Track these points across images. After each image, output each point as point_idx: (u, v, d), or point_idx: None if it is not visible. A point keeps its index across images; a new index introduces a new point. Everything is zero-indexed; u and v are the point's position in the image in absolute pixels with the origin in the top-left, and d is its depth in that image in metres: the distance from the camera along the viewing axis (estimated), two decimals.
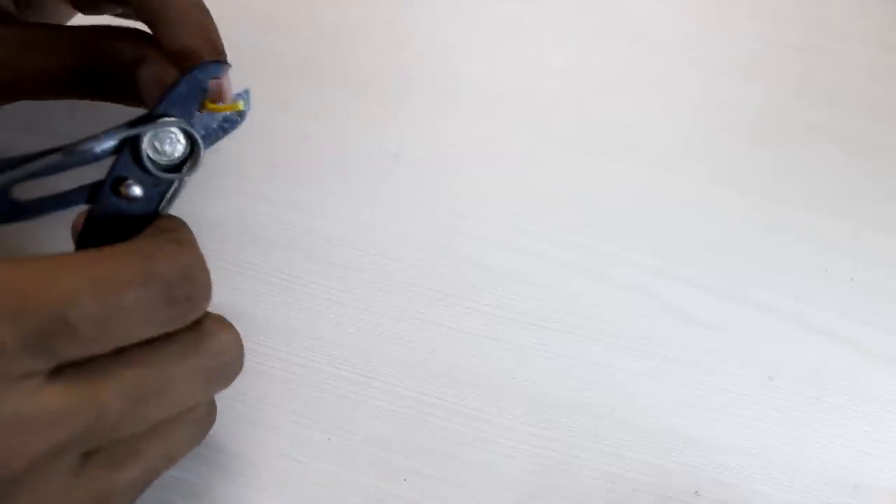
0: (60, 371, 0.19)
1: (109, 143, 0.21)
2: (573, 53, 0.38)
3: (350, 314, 0.30)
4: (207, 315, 0.22)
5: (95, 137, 0.21)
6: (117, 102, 0.27)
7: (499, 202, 0.33)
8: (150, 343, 0.21)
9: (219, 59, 0.24)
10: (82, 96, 0.27)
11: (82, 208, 0.22)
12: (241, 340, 0.23)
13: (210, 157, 0.27)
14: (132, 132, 0.21)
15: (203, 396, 0.23)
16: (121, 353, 0.20)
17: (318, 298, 0.30)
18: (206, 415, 0.24)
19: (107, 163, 0.22)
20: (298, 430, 0.27)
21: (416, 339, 0.30)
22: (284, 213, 0.32)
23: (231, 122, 0.24)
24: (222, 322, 0.23)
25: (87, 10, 0.30)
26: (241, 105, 0.24)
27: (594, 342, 0.30)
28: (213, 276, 0.23)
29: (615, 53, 0.38)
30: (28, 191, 0.21)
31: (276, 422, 0.28)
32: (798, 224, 0.34)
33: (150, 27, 0.25)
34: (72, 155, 0.21)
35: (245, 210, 0.25)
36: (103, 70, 0.26)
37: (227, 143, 0.26)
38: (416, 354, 0.30)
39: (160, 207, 0.22)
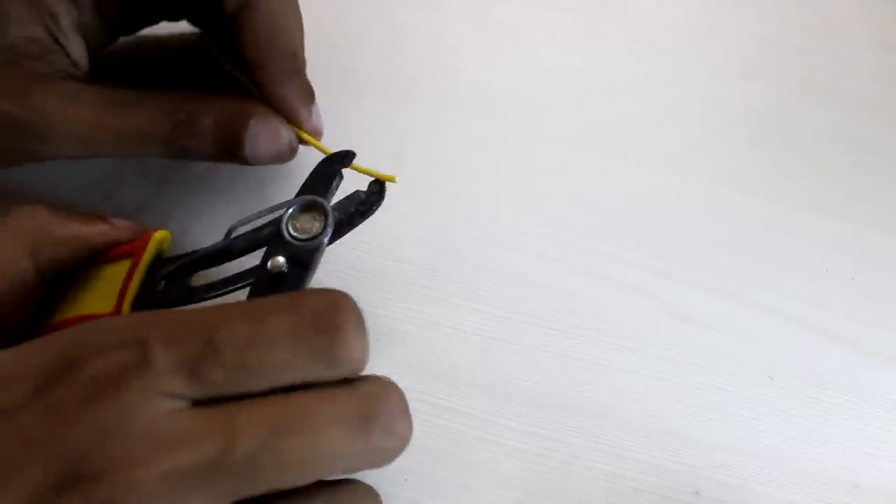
0: (205, 403, 0.19)
1: (257, 229, 0.25)
2: (574, 54, 0.38)
3: None
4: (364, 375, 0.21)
5: (243, 222, 0.25)
6: (208, 160, 0.29)
7: (499, 202, 0.33)
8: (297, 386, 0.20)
9: (348, 151, 0.27)
10: (171, 156, 0.28)
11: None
12: (402, 394, 0.21)
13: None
14: (273, 215, 0.25)
15: (355, 447, 0.20)
16: (266, 394, 0.19)
17: None
18: (366, 494, 0.22)
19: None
20: None
21: (417, 339, 0.30)
22: None
23: (368, 206, 0.27)
24: (379, 376, 0.21)
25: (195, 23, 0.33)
26: (394, 178, 0.27)
27: (594, 342, 0.30)
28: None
29: (616, 54, 0.38)
30: (203, 278, 0.26)
31: None
32: (799, 224, 0.34)
33: (252, 67, 0.29)
34: (228, 238, 0.25)
35: (245, 210, 0.25)
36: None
37: None
38: (417, 354, 0.30)
39: (307, 278, 0.25)
